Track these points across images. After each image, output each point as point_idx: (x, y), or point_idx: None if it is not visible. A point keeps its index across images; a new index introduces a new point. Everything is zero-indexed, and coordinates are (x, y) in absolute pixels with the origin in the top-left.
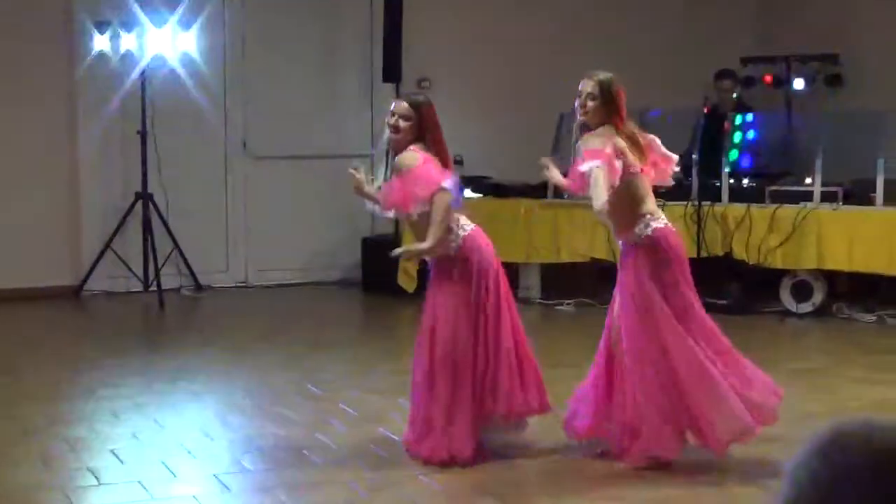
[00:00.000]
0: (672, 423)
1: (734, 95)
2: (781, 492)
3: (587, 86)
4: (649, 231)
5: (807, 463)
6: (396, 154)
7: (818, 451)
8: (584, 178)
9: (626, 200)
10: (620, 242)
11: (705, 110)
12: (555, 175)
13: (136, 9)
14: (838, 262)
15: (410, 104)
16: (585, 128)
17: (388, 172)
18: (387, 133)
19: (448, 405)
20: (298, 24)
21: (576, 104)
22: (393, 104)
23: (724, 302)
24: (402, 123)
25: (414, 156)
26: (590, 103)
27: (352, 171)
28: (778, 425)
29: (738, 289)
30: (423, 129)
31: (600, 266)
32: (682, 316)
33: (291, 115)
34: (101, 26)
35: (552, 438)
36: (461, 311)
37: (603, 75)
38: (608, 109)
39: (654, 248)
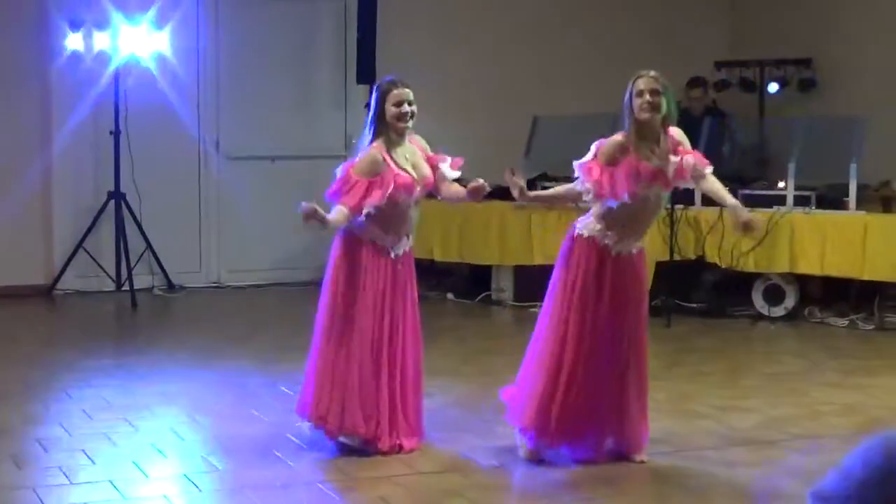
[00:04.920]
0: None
1: (706, 101)
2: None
3: (650, 83)
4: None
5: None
6: (401, 139)
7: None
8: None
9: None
10: (629, 251)
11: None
12: (522, 185)
13: (110, 8)
14: (811, 266)
15: (410, 89)
16: (646, 125)
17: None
18: (404, 123)
19: None
20: (273, 25)
21: (635, 102)
22: (397, 91)
23: (697, 305)
24: (415, 109)
25: None
26: (658, 98)
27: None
28: (749, 430)
29: (708, 292)
30: None
31: None
32: None
33: (265, 115)
34: (75, 25)
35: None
36: None
37: (656, 72)
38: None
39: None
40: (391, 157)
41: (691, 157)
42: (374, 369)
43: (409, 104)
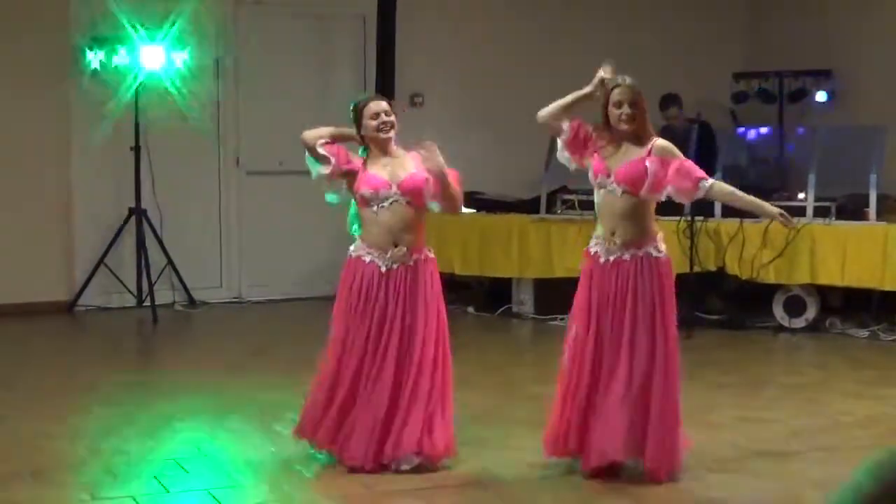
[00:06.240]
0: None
1: (682, 118)
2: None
3: (628, 94)
4: (663, 253)
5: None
6: (384, 152)
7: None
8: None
9: (649, 211)
10: (615, 258)
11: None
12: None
13: (130, 25)
14: (831, 277)
15: (388, 102)
16: (622, 136)
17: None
18: (385, 134)
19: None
20: (292, 40)
21: (613, 112)
22: (371, 105)
23: (717, 317)
24: (394, 119)
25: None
26: (636, 111)
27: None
28: (770, 441)
29: (725, 304)
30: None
31: None
32: None
33: (284, 130)
34: (96, 43)
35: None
36: None
37: (632, 80)
38: (643, 117)
39: (665, 269)
40: (365, 166)
41: (672, 186)
42: (354, 387)
43: (387, 114)
